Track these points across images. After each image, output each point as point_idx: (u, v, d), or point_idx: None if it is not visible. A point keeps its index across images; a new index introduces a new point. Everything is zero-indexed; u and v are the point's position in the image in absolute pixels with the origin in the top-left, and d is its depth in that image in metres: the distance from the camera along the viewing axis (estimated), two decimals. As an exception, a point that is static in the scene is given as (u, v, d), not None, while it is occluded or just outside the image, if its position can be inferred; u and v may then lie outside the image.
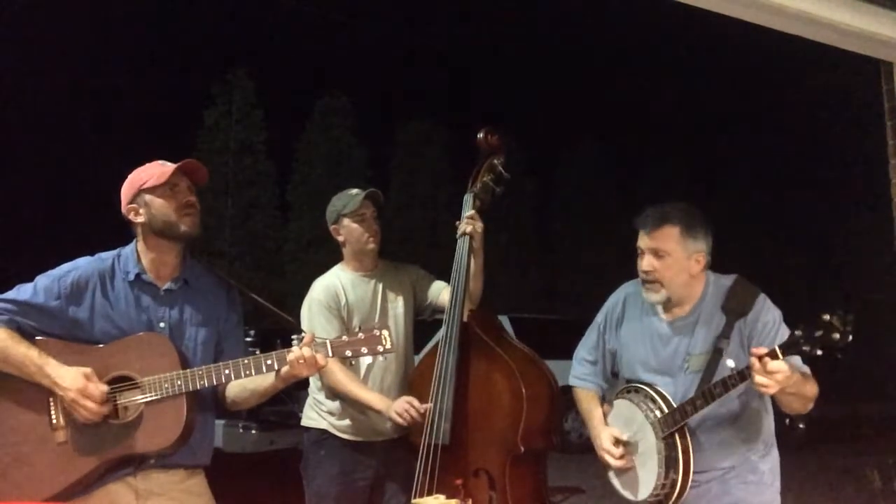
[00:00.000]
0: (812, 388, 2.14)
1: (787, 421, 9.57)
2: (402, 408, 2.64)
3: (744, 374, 2.07)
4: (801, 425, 9.85)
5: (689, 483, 2.22)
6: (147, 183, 2.20)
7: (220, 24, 25.03)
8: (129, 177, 2.26)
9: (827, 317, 1.99)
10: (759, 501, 2.31)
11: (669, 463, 2.22)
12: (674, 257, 2.28)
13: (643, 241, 2.32)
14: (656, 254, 2.29)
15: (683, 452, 2.21)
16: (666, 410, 2.24)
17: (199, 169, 2.28)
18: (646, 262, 2.30)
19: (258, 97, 21.63)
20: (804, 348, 1.99)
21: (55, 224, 20.29)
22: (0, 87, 19.24)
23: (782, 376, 1.97)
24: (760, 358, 1.98)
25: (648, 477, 2.27)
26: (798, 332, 2.01)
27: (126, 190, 2.24)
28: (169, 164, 2.24)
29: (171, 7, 24.40)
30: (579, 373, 2.57)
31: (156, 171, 2.22)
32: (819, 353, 1.98)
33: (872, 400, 10.02)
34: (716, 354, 2.24)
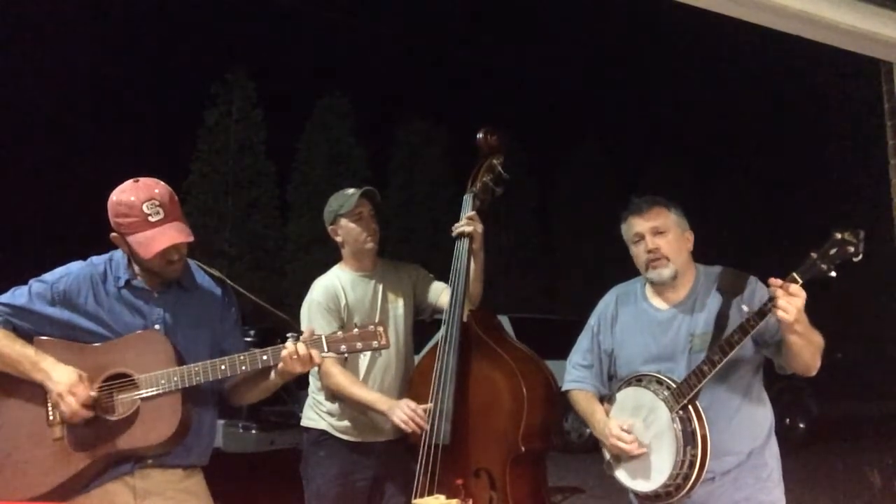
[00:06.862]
0: (819, 337, 2.17)
1: (787, 420, 9.56)
2: (407, 417, 2.63)
3: (763, 311, 2.10)
4: (801, 425, 9.83)
5: (707, 463, 2.17)
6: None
7: (220, 24, 25.01)
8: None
9: (839, 235, 2.03)
10: (769, 499, 2.31)
11: (686, 438, 2.18)
12: (672, 233, 2.38)
13: (641, 226, 2.39)
14: (657, 232, 2.37)
15: (699, 424, 2.18)
16: (674, 387, 2.23)
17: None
18: (650, 242, 2.37)
19: (258, 97, 21.63)
20: (822, 266, 2.03)
21: (53, 224, 20.27)
22: (-1, 87, 19.25)
23: (801, 301, 2.03)
24: (781, 286, 2.03)
25: (664, 460, 2.22)
26: (813, 255, 2.05)
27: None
28: (166, 235, 2.13)
29: (171, 7, 24.40)
30: (575, 377, 2.55)
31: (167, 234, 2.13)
32: (834, 273, 2.02)
33: (872, 400, 9.99)
34: (718, 332, 2.26)
